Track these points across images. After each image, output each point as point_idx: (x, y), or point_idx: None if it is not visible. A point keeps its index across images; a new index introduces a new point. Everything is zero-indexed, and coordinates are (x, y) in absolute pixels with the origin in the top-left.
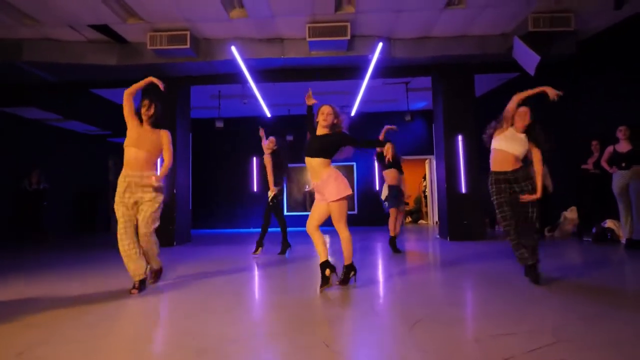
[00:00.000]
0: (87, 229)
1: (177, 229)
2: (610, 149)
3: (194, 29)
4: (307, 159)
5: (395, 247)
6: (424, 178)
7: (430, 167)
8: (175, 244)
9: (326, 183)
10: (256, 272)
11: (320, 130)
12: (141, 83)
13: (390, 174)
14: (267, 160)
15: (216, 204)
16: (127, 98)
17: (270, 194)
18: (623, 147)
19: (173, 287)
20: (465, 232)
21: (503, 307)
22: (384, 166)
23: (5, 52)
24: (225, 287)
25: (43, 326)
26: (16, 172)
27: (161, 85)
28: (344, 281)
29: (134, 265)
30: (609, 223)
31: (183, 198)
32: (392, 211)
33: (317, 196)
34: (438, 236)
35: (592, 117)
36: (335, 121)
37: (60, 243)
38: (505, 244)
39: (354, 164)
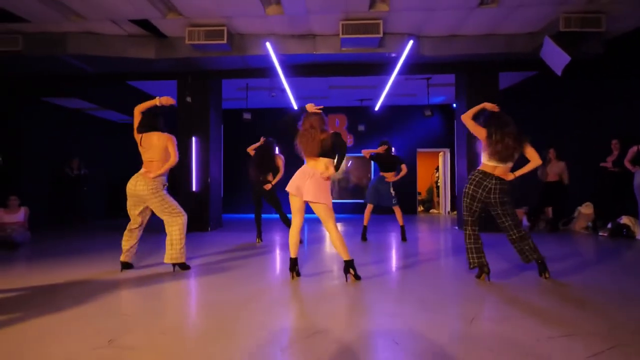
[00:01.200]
0: (123, 215)
1: (210, 215)
2: (634, 148)
3: (230, 24)
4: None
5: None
6: (437, 169)
7: (444, 159)
8: (209, 229)
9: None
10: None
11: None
12: (150, 103)
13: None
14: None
15: (245, 191)
16: (137, 114)
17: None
18: None
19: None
20: (483, 224)
21: (540, 305)
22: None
23: (51, 46)
24: (252, 270)
25: (124, 315)
26: (56, 159)
27: (170, 102)
28: (357, 276)
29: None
30: (624, 219)
31: (215, 187)
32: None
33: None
34: (457, 227)
35: (613, 116)
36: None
37: (100, 227)
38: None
39: None
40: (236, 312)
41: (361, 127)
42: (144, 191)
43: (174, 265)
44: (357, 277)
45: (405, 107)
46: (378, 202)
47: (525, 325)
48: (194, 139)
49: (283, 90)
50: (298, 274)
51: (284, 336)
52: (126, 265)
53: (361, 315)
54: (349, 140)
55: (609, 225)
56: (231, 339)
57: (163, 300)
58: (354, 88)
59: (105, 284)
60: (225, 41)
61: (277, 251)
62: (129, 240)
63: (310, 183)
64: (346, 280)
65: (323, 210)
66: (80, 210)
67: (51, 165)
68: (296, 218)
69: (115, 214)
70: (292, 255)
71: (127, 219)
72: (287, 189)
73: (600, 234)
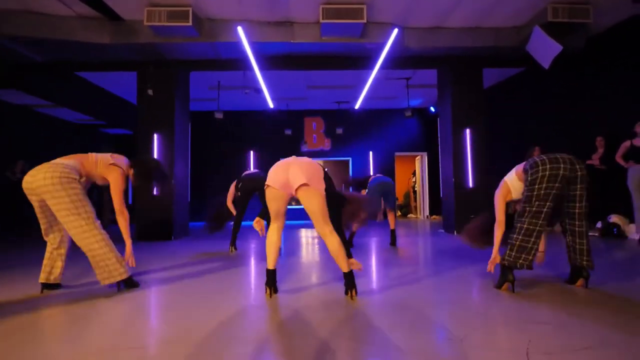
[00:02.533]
0: None
1: (175, 222)
2: (627, 143)
3: (197, 6)
4: None
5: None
6: (413, 174)
7: (422, 163)
8: (173, 238)
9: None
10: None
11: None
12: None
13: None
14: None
15: (215, 197)
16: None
17: None
18: None
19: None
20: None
21: (546, 314)
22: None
23: None
24: (219, 284)
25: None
26: (1, 163)
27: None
28: (353, 290)
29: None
30: (614, 218)
31: (181, 190)
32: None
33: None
34: (442, 230)
35: (597, 113)
36: None
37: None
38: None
39: (350, 158)
40: (190, 345)
41: (339, 130)
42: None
43: (117, 284)
44: (353, 291)
45: (383, 110)
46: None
47: None
48: (155, 135)
49: (258, 90)
50: (275, 291)
51: None
52: (48, 286)
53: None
54: (326, 144)
55: (598, 225)
56: None
57: (90, 327)
58: (333, 88)
59: (24, 306)
60: (190, 23)
61: (252, 262)
62: (49, 260)
63: (297, 166)
64: (346, 295)
65: (317, 203)
66: (24, 218)
67: None
68: (278, 221)
69: None
70: (270, 267)
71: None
72: (269, 183)
73: (589, 233)
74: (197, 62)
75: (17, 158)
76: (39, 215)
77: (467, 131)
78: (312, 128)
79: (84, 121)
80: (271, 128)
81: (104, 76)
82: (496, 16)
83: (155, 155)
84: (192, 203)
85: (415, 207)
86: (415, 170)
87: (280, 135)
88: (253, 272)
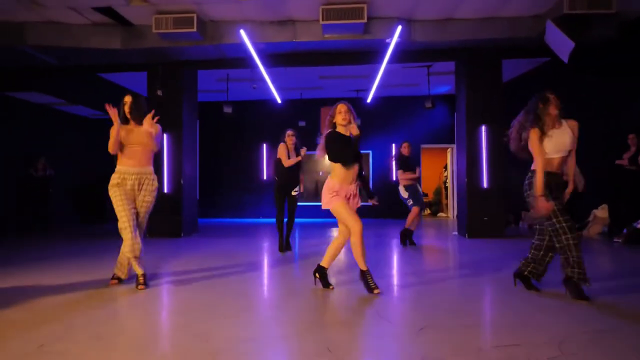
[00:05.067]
0: (97, 219)
1: (184, 219)
2: None
3: (201, 11)
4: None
5: (405, 239)
6: (445, 168)
7: (452, 156)
8: (182, 235)
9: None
10: (264, 269)
11: (343, 131)
12: (112, 138)
13: (404, 176)
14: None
15: (224, 193)
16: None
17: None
18: None
19: (179, 283)
20: (485, 230)
21: (512, 316)
22: (400, 167)
23: (8, 36)
24: (231, 286)
25: (57, 320)
26: (21, 157)
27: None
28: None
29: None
30: None
31: (190, 188)
32: (415, 209)
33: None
34: (456, 233)
35: (630, 108)
36: (350, 120)
37: (67, 233)
38: (526, 242)
39: (370, 151)
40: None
41: (357, 121)
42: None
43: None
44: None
45: (405, 98)
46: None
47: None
48: (165, 135)
49: (265, 82)
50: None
51: None
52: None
53: None
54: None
55: (624, 231)
56: None
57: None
58: (346, 78)
59: (50, 290)
60: (195, 29)
61: (265, 261)
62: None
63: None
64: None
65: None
66: (47, 214)
67: (15, 165)
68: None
69: (88, 220)
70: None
71: (101, 225)
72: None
73: (615, 240)
74: (204, 62)
75: (39, 156)
76: None
77: (483, 128)
78: (329, 116)
79: (97, 116)
80: (284, 119)
81: (119, 75)
82: (512, 5)
83: (165, 155)
84: (201, 199)
85: (446, 205)
86: (446, 164)
87: (293, 127)
88: (266, 274)
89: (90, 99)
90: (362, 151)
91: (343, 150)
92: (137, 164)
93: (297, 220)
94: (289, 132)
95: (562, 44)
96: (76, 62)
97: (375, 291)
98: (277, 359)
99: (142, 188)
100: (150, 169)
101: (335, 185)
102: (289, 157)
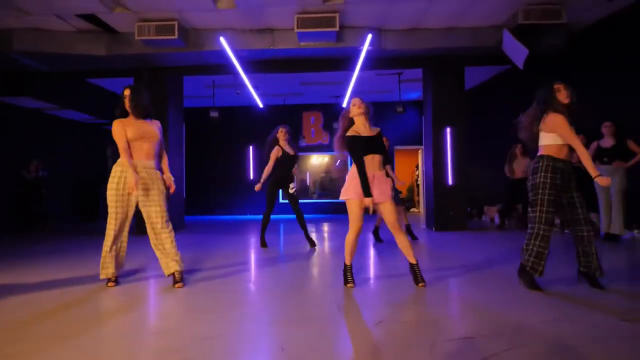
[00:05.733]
0: (89, 218)
1: (170, 217)
2: (594, 144)
3: (182, 19)
4: (368, 156)
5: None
6: (417, 167)
7: (423, 156)
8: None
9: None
10: (244, 265)
11: (362, 124)
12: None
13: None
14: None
15: (213, 191)
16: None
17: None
18: (607, 142)
19: (149, 278)
20: (450, 223)
21: (470, 309)
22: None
23: None
24: (203, 283)
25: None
26: (15, 161)
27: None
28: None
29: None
30: (593, 216)
31: (176, 189)
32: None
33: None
34: (424, 226)
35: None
36: (366, 110)
37: (62, 231)
38: (488, 235)
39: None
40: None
41: (336, 125)
42: None
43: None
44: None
45: (380, 104)
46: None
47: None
48: None
49: (253, 88)
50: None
51: None
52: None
53: None
54: (325, 138)
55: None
56: None
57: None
58: (325, 84)
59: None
60: (176, 36)
61: (244, 257)
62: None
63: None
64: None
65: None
66: (41, 214)
67: (11, 168)
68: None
69: (86, 218)
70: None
71: (96, 222)
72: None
73: (566, 231)
74: (188, 68)
75: (31, 158)
76: None
77: (447, 130)
78: (311, 122)
79: (89, 120)
80: (269, 124)
81: (108, 80)
82: (472, 16)
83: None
84: (189, 198)
85: (418, 201)
86: (418, 164)
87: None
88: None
89: (80, 103)
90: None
91: (359, 149)
92: (143, 157)
93: (282, 216)
94: (282, 128)
95: (517, 52)
96: (65, 68)
97: (349, 285)
98: (228, 358)
99: (151, 186)
100: (154, 163)
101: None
102: (282, 153)
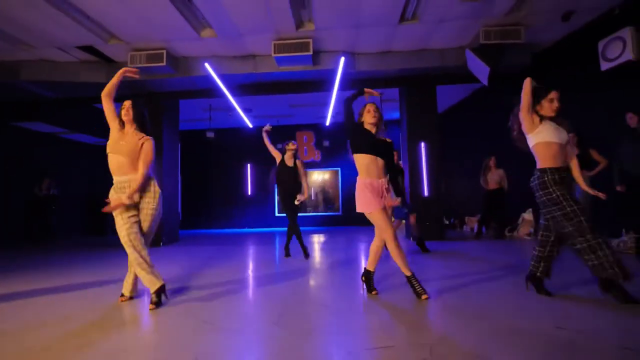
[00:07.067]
0: (99, 232)
1: (164, 230)
2: None
3: (170, 48)
4: (372, 157)
5: (424, 246)
6: None
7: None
8: (162, 244)
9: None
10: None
11: (371, 129)
12: (115, 78)
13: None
14: (300, 164)
15: (213, 206)
16: (105, 100)
17: (302, 198)
18: None
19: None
20: (427, 233)
21: (398, 317)
22: None
23: (5, 73)
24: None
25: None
26: (31, 180)
27: (134, 73)
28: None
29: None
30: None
31: (170, 203)
32: (412, 216)
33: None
34: (404, 236)
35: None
36: (379, 119)
37: (70, 245)
38: (463, 244)
39: (339, 169)
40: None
41: (326, 143)
42: None
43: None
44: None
45: None
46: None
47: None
48: None
49: (242, 110)
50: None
51: None
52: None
53: None
54: (317, 155)
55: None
56: None
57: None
58: (312, 106)
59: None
60: (164, 63)
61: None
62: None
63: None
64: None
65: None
66: (51, 229)
67: (24, 186)
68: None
69: (97, 232)
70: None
71: (105, 236)
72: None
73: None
74: (181, 92)
75: (44, 176)
76: None
77: (422, 145)
78: (303, 141)
79: (99, 143)
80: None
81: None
82: (438, 39)
83: None
84: (190, 212)
85: None
86: None
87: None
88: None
89: (89, 127)
90: (332, 168)
91: (363, 141)
92: (123, 172)
93: (281, 229)
94: (292, 142)
95: (480, 70)
96: (71, 95)
97: (423, 296)
98: None
99: (143, 198)
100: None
101: (366, 181)
102: (282, 161)
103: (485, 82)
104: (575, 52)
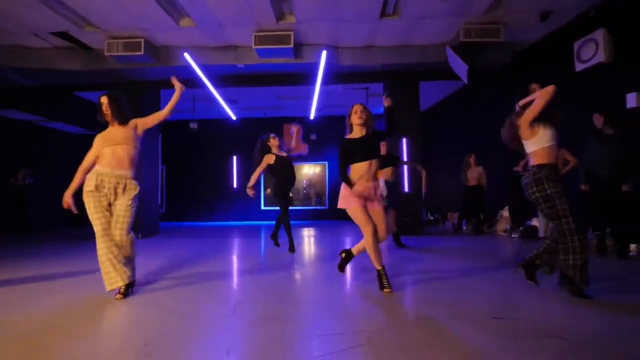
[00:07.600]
0: (76, 224)
1: (143, 222)
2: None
3: (149, 36)
4: (366, 163)
5: (399, 241)
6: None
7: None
8: (140, 236)
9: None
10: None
11: (359, 131)
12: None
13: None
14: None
15: (198, 199)
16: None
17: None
18: None
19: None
20: (406, 228)
21: (359, 305)
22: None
23: None
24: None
25: None
26: (8, 170)
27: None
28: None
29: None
30: (535, 221)
31: (150, 196)
32: (392, 211)
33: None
34: None
35: None
36: (367, 118)
37: (47, 236)
38: (444, 239)
39: (327, 162)
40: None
41: (313, 137)
42: None
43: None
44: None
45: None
46: None
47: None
48: None
49: (226, 101)
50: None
51: None
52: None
53: None
54: (304, 149)
55: (521, 228)
56: None
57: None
58: (301, 98)
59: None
60: (142, 52)
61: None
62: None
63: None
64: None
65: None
66: (28, 219)
67: (3, 176)
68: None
69: (78, 224)
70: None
71: (82, 227)
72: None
73: (513, 235)
74: (163, 82)
75: (20, 167)
76: None
77: (404, 140)
78: (290, 134)
79: (80, 132)
80: (251, 135)
81: (95, 93)
82: (419, 35)
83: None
84: (176, 205)
85: None
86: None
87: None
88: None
89: (68, 116)
90: (319, 162)
91: (345, 162)
92: (118, 166)
93: (266, 222)
94: (272, 135)
95: (459, 67)
96: (48, 82)
97: (385, 290)
98: None
99: (123, 191)
100: (131, 173)
101: (354, 180)
102: (276, 158)
103: (464, 79)
104: (555, 52)
